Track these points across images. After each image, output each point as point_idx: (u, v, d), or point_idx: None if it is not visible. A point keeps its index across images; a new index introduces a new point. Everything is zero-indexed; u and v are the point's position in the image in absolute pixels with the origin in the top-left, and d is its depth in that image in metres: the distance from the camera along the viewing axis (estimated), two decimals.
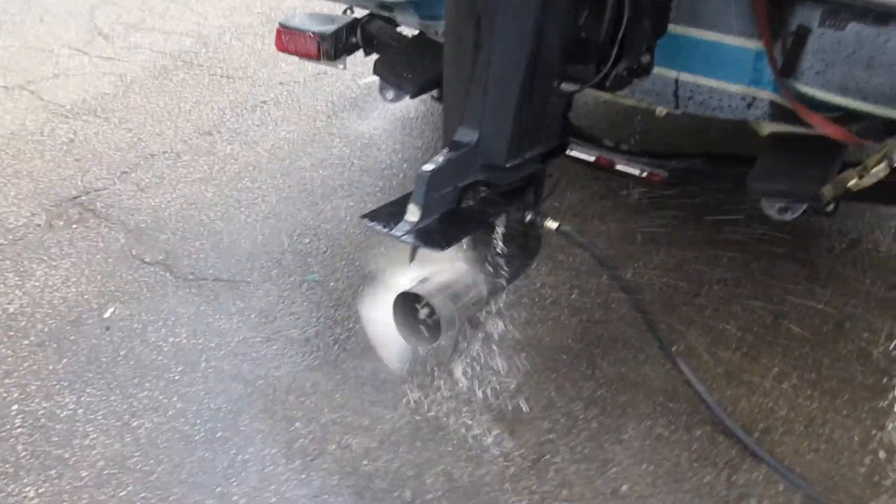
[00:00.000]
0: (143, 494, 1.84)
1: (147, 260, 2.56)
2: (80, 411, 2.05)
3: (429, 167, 1.56)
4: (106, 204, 2.83)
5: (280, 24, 2.49)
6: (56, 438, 1.98)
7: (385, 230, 1.58)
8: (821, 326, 2.26)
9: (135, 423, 2.01)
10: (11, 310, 2.35)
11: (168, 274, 2.50)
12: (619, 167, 2.37)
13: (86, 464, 1.91)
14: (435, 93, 2.65)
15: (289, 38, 2.55)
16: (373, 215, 1.65)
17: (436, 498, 1.83)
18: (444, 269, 1.79)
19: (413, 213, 1.57)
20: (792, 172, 1.82)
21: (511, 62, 1.55)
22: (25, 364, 2.18)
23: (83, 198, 2.85)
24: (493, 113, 1.61)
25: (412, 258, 1.73)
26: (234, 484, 1.87)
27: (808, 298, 2.34)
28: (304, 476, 1.89)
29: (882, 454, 1.90)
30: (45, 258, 2.56)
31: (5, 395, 2.09)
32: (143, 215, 2.76)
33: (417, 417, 2.02)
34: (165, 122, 3.33)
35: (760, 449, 1.90)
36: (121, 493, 1.85)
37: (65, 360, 2.19)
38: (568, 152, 2.31)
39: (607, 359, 2.18)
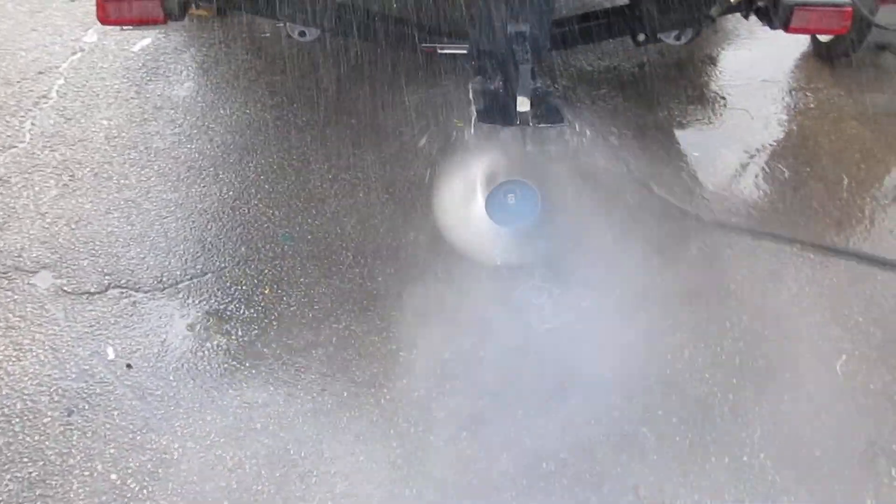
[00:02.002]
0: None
1: (94, 290, 2.22)
2: (200, 438, 1.86)
3: (525, 64, 1.79)
4: None
5: None
6: (199, 467, 1.80)
7: (514, 123, 1.79)
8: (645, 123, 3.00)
9: (267, 409, 1.92)
10: None
11: (136, 293, 2.22)
12: (442, 51, 2.70)
13: (259, 457, 1.80)
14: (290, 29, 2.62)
15: (117, 6, 2.32)
16: (486, 118, 1.83)
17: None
18: (495, 158, 2.05)
19: (524, 104, 1.81)
20: (684, 4, 2.41)
21: None
22: (74, 438, 1.86)
23: None
24: (540, 9, 1.88)
25: (525, 143, 1.94)
26: (399, 367, 1.97)
27: (643, 107, 3.06)
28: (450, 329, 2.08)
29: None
30: None
31: (104, 471, 1.79)
32: (34, 252, 2.32)
33: (493, 287, 2.25)
34: None
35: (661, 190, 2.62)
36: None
37: (116, 413, 1.92)
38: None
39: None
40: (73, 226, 2.43)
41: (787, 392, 2.04)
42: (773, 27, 2.77)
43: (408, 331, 2.15)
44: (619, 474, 1.85)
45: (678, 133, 2.97)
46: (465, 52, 2.71)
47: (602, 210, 2.46)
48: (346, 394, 2.00)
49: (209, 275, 2.29)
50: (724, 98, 3.16)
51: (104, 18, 2.29)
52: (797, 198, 2.69)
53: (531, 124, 1.83)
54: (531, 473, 1.84)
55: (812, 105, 3.14)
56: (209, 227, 2.46)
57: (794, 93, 3.21)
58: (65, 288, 2.23)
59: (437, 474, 1.83)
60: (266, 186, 2.62)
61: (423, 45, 2.67)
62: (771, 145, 2.95)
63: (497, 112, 1.86)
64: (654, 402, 2.01)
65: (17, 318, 2.13)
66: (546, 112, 1.87)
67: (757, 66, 3.34)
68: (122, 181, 2.61)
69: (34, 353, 2.04)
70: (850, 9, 2.59)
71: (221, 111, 2.95)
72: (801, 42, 3.50)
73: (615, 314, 2.20)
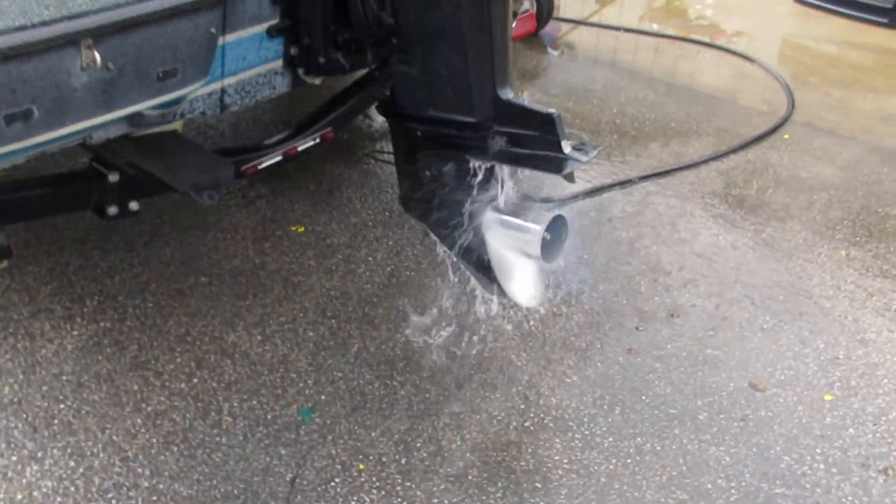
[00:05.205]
0: None
1: None
2: None
3: (555, 112, 1.95)
4: None
5: None
6: None
7: (574, 165, 1.92)
8: None
9: None
10: None
11: None
12: (301, 147, 2.68)
13: None
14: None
15: None
16: (553, 168, 1.94)
17: None
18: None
19: (568, 146, 1.96)
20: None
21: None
22: None
23: None
24: (507, 71, 2.05)
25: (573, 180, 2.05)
26: None
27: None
28: None
29: None
30: None
31: None
32: None
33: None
34: None
35: None
36: None
37: None
38: (260, 167, 2.56)
39: None
40: None
41: (713, 255, 2.64)
42: None
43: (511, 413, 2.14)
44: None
45: None
46: (279, 158, 2.62)
47: None
48: None
49: (297, 492, 1.88)
50: None
51: None
52: None
53: (583, 161, 1.96)
54: None
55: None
56: (219, 456, 1.97)
57: None
58: None
59: None
60: (219, 384, 2.17)
61: (244, 167, 2.50)
62: None
63: (550, 162, 1.95)
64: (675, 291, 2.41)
65: None
66: (582, 147, 2.01)
67: None
68: None
69: None
70: (534, 12, 3.37)
71: (53, 371, 2.26)
72: None
73: None
